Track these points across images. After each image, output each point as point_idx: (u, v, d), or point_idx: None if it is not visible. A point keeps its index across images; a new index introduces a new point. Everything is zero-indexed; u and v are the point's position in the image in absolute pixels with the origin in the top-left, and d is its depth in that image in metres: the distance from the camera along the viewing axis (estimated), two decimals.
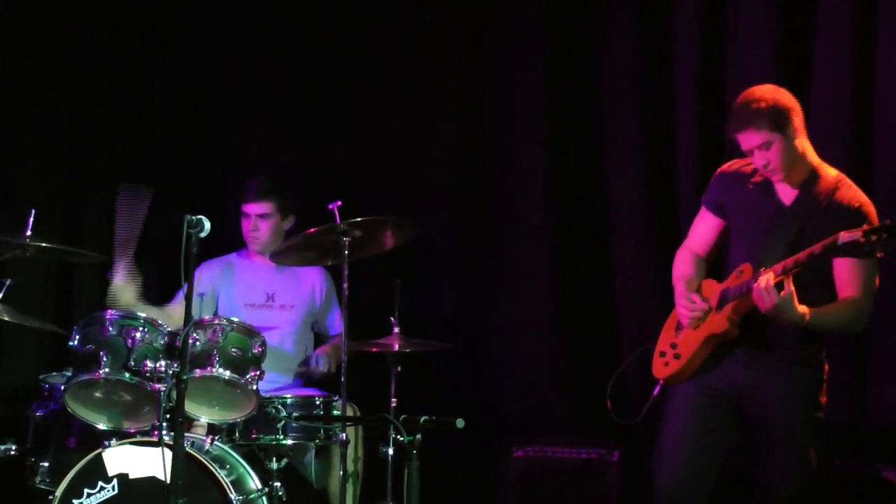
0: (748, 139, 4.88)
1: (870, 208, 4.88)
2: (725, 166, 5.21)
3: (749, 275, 4.87)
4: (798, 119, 4.90)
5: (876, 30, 5.90)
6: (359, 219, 5.74)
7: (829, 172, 4.98)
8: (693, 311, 5.06)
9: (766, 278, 4.70)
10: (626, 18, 6.64)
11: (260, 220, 6.52)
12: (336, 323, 6.65)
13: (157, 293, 6.93)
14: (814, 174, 4.95)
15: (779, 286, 4.69)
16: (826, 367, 5.02)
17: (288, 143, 7.40)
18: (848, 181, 4.95)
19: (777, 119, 4.83)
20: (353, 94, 7.37)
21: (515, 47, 6.97)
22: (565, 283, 6.84)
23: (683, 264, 5.27)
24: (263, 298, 6.56)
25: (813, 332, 4.90)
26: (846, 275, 4.86)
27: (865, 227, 4.58)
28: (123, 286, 6.07)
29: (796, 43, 6.11)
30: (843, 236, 4.57)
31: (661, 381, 5.16)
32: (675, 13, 6.45)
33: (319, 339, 6.75)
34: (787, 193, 4.98)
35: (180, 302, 5.85)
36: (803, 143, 4.94)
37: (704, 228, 5.27)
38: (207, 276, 6.57)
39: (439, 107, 7.18)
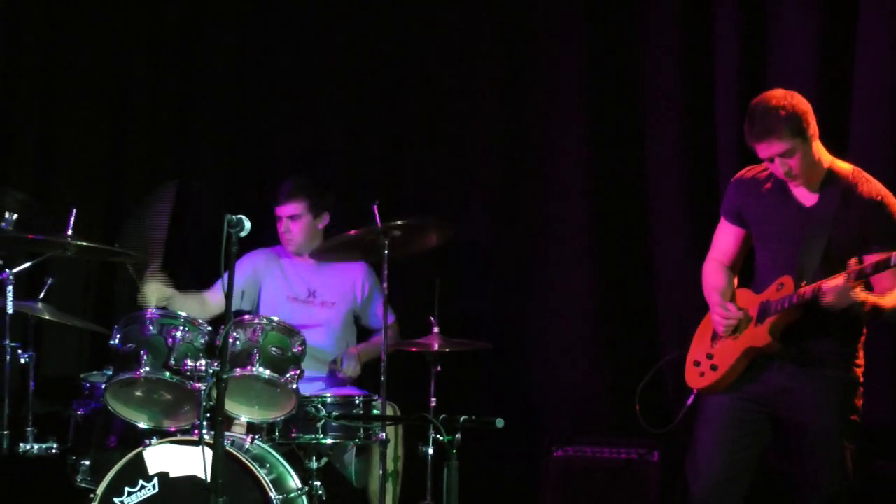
0: (770, 148, 4.83)
1: (890, 199, 4.87)
2: (741, 173, 5.17)
3: (791, 288, 4.84)
4: (813, 122, 4.86)
5: None
6: (398, 221, 5.76)
7: (844, 168, 4.94)
8: (728, 319, 5.03)
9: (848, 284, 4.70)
10: (667, 18, 6.61)
11: (291, 221, 6.50)
12: (380, 315, 6.62)
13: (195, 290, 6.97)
14: (830, 174, 4.92)
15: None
16: (862, 370, 4.98)
17: (329, 142, 7.40)
18: (865, 175, 4.93)
19: (797, 125, 4.79)
20: (394, 93, 7.36)
21: (556, 48, 6.95)
22: (605, 282, 6.82)
23: (713, 275, 5.23)
24: (305, 294, 6.56)
25: (849, 334, 4.90)
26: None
27: None
28: (153, 285, 6.09)
29: (838, 42, 6.07)
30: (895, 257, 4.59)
31: (696, 391, 5.14)
32: (717, 12, 6.41)
33: (364, 332, 6.74)
34: (804, 195, 4.94)
35: (218, 290, 5.88)
36: (818, 146, 4.90)
37: (726, 239, 5.23)
38: (250, 265, 6.54)
39: (480, 107, 7.16)
